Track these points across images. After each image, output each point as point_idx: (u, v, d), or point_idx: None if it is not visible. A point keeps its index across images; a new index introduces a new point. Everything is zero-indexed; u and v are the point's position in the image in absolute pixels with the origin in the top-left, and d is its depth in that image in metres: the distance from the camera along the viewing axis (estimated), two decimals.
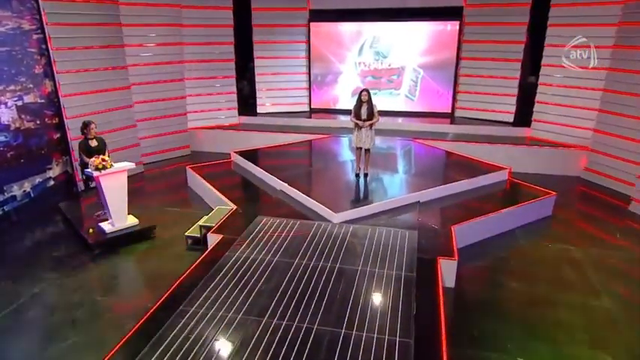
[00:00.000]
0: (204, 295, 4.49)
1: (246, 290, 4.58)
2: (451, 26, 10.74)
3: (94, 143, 6.54)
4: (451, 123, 10.86)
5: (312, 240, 5.60)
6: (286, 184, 7.12)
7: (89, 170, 6.03)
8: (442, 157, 8.95)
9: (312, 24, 11.32)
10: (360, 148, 7.32)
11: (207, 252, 5.45)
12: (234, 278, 4.78)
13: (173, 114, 10.28)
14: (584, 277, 5.53)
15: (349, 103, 11.23)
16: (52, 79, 7.74)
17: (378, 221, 6.09)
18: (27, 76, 7.28)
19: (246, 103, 11.76)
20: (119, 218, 6.39)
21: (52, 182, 7.85)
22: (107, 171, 6.05)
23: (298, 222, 6.11)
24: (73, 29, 7.86)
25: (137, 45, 9.26)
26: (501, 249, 6.17)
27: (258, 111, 11.77)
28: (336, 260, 5.12)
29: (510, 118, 10.55)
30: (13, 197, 7.11)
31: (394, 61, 11.26)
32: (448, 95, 11.18)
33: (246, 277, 4.80)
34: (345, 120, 10.78)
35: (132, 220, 6.55)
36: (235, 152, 9.00)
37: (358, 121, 7.08)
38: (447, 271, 5.11)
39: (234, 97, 11.24)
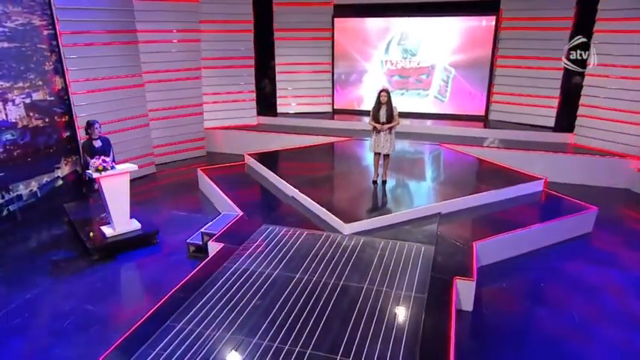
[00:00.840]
0: (193, 310, 4.33)
1: (239, 306, 4.39)
2: (486, 21, 10.30)
3: (97, 144, 6.52)
4: (485, 127, 10.42)
5: (318, 252, 5.37)
6: (297, 190, 6.92)
7: (89, 172, 6.01)
8: (471, 165, 8.53)
9: (336, 20, 11.12)
10: (379, 154, 7.04)
11: (204, 262, 5.30)
12: (229, 292, 4.60)
13: (188, 113, 10.28)
14: (626, 307, 5.05)
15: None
16: (63, 76, 7.82)
17: (392, 234, 5.80)
18: (36, 72, 7.38)
19: (266, 102, 11.66)
20: (120, 222, 6.35)
21: (60, 182, 7.94)
22: (108, 173, 6.02)
23: (305, 232, 5.90)
24: (84, 25, 7.93)
25: (152, 42, 9.27)
26: (531, 269, 5.74)
27: (278, 111, 11.64)
28: (341, 276, 4.86)
29: (551, 123, 10.00)
30: (19, 197, 7.22)
31: (423, 60, 10.90)
32: (482, 97, 10.72)
33: (241, 292, 4.61)
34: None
35: (134, 225, 6.51)
36: (249, 154, 8.88)
37: (377, 124, 6.81)
38: (465, 292, 4.77)
39: (253, 96, 11.17)
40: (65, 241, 6.62)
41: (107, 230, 6.34)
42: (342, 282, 4.77)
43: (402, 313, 4.24)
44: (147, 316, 4.28)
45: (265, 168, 8.08)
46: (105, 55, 8.35)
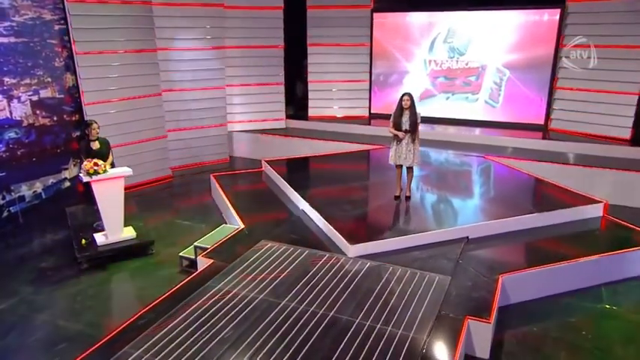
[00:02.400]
0: (157, 337, 4.13)
1: (208, 335, 4.13)
2: (549, 15, 9.58)
3: (95, 145, 6.55)
4: (544, 138, 9.68)
5: (314, 277, 5.03)
6: (307, 204, 6.63)
7: (81, 175, 6.03)
8: (517, 181, 7.88)
9: (375, 14, 10.81)
10: (401, 166, 6.62)
11: (186, 280, 5.11)
12: (201, 318, 4.37)
13: (211, 115, 10.26)
14: None
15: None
16: (74, 73, 8.01)
17: (405, 259, 5.36)
18: (45, 69, 7.60)
19: (297, 105, 11.51)
20: (113, 230, 6.33)
21: (67, 184, 8.11)
22: (100, 176, 6.01)
23: (307, 251, 5.59)
24: (98, 19, 8.07)
25: (171, 39, 9.35)
26: (574, 312, 5.09)
27: (309, 115, 11.45)
28: (332, 307, 4.50)
29: (627, 134, 9.07)
30: (22, 198, 7.41)
31: (473, 60, 10.34)
32: (541, 103, 9.99)
33: (215, 318, 4.36)
34: None
35: (128, 233, 6.47)
36: (266, 161, 8.71)
37: (398, 133, 6.40)
38: (480, 336, 4.26)
39: (282, 97, 11.04)
40: (59, 247, 6.71)
41: (99, 238, 6.34)
42: (331, 313, 4.41)
43: (392, 358, 3.81)
44: (107, 338, 4.13)
45: (279, 176, 7.85)
46: (120, 52, 8.46)
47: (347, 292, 4.74)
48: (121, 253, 6.28)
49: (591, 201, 6.67)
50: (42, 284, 5.73)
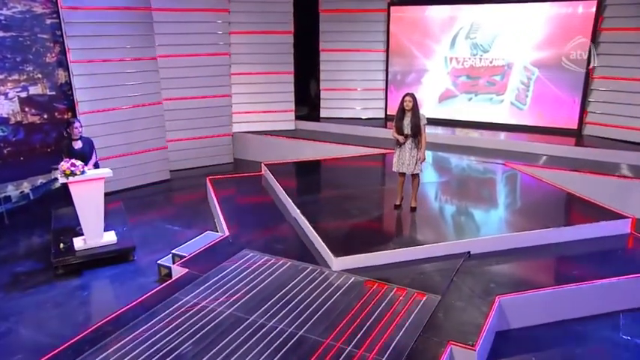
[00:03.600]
0: (110, 350, 4.08)
1: (165, 351, 4.06)
2: (584, 7, 9.16)
3: (77, 145, 6.61)
4: (577, 144, 9.26)
5: (290, 291, 4.90)
6: (299, 211, 6.51)
7: (58, 176, 6.07)
8: (537, 192, 7.55)
9: (392, 8, 10.62)
10: (404, 174, 6.42)
11: (154, 290, 5.06)
12: (158, 334, 4.29)
13: (215, 114, 10.29)
14: None
15: (435, 111, 10.48)
16: (67, 69, 8.13)
17: (393, 275, 5.16)
18: (35, 64, 7.75)
19: (307, 105, 11.43)
20: (92, 235, 6.36)
21: (57, 184, 8.20)
22: (77, 178, 6.03)
23: (289, 263, 5.46)
24: (92, 13, 8.16)
25: (171, 33, 9.40)
26: (581, 341, 4.76)
27: (321, 115, 11.33)
28: (303, 325, 4.35)
29: None
30: (7, 198, 7.56)
31: (498, 57, 10.00)
32: (574, 105, 9.54)
33: (174, 334, 4.28)
34: (429, 133, 9.95)
35: (109, 238, 6.48)
36: (265, 164, 8.63)
37: (399, 137, 6.22)
38: None
39: (292, 96, 10.96)
40: (40, 251, 6.78)
41: (78, 243, 6.37)
42: (300, 332, 4.26)
43: None
44: (52, 354, 4.10)
45: (275, 181, 7.76)
46: (115, 48, 8.55)
47: (322, 310, 4.58)
48: (99, 259, 6.29)
49: (617, 216, 6.28)
50: (13, 289, 5.80)
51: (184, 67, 9.67)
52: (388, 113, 11.11)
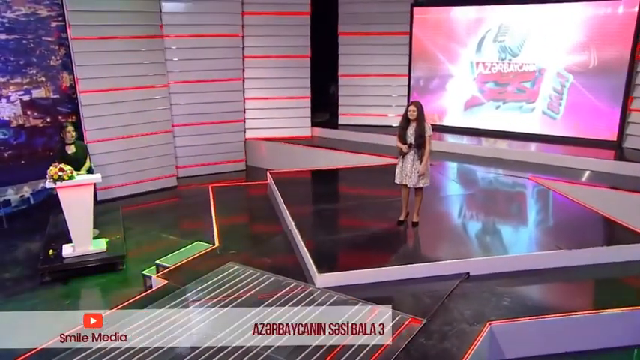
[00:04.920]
0: None
1: None
2: (625, 7, 8.78)
3: (71, 150, 6.79)
4: (616, 158, 8.86)
5: (266, 309, 4.80)
6: (293, 222, 6.45)
7: (46, 181, 6.23)
8: (557, 210, 7.29)
9: (415, 9, 10.51)
10: (407, 186, 6.26)
11: (120, 305, 5.08)
12: (116, 350, 4.28)
13: (227, 120, 10.42)
14: None
15: (460, 119, 10.26)
16: (72, 72, 8.38)
17: (380, 295, 5.02)
18: (39, 67, 8.02)
19: (325, 111, 11.42)
20: (81, 242, 6.49)
21: None
22: (66, 183, 6.17)
23: (272, 278, 5.39)
24: (99, 15, 8.40)
25: (180, 36, 9.58)
26: None
27: (339, 122, 11.28)
28: (270, 345, 4.26)
29: None
30: (7, 202, 7.82)
31: (528, 62, 9.72)
32: (614, 114, 9.12)
33: (131, 351, 4.26)
34: (454, 143, 9.80)
35: (99, 246, 6.60)
36: (271, 173, 8.62)
37: (402, 146, 6.08)
38: None
39: (308, 102, 10.98)
40: (31, 257, 6.95)
41: (66, 250, 6.51)
42: (266, 353, 4.17)
43: None
44: None
45: (277, 190, 7.73)
46: (121, 50, 8.76)
47: (294, 331, 4.46)
48: (87, 267, 6.40)
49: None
50: None
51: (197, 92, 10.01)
52: None
